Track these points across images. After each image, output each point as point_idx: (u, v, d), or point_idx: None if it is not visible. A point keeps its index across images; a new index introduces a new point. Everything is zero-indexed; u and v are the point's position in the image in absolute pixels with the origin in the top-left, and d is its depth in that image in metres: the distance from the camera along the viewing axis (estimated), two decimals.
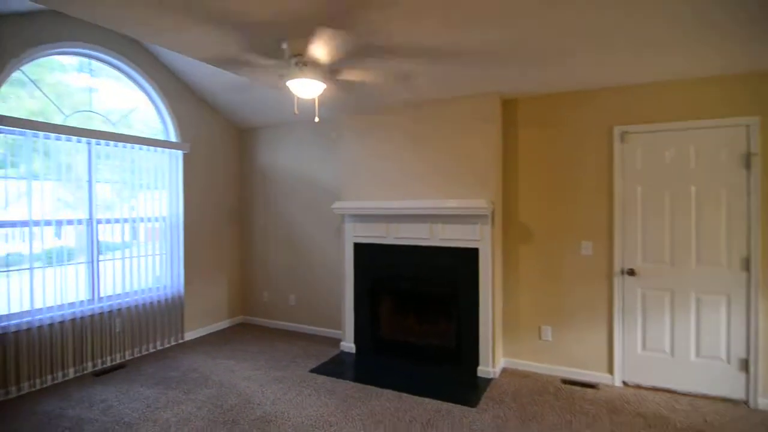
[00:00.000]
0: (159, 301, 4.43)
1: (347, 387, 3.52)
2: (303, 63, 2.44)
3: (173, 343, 4.57)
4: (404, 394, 3.37)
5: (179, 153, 4.61)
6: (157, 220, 4.48)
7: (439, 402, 3.24)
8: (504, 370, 3.86)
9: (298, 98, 3.12)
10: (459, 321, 3.84)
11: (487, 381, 3.62)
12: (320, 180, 4.88)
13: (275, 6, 2.03)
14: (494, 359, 3.72)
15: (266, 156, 5.25)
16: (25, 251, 3.46)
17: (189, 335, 4.75)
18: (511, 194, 3.91)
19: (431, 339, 4.13)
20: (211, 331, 5.04)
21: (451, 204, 3.70)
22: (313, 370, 3.86)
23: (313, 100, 3.39)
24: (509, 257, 3.92)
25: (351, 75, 2.78)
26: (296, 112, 3.13)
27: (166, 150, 4.49)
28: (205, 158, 4.95)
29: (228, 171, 5.29)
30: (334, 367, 3.94)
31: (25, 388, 3.38)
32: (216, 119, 5.09)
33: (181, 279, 4.64)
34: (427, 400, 3.28)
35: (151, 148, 4.32)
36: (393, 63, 2.85)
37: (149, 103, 4.43)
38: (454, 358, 3.89)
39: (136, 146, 4.19)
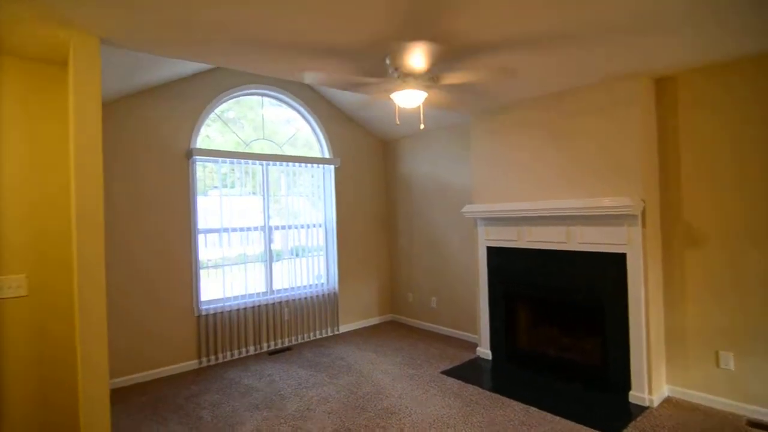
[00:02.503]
0: (318, 296, 5.12)
1: (474, 392, 3.47)
2: (404, 75, 2.58)
3: (330, 334, 5.21)
4: (533, 409, 3.15)
5: (331, 167, 5.27)
6: (315, 226, 5.20)
7: (571, 423, 2.93)
8: (667, 400, 3.23)
9: (400, 109, 3.27)
10: (605, 336, 3.38)
11: (640, 409, 3.10)
12: (456, 184, 4.92)
13: (363, 32, 2.22)
14: (651, 385, 3.15)
15: (407, 164, 5.54)
16: (223, 253, 4.47)
17: (343, 328, 5.35)
18: (671, 190, 3.27)
19: (572, 354, 3.73)
20: (363, 326, 5.56)
21: (590, 204, 3.31)
22: (444, 372, 3.91)
23: (419, 108, 3.49)
24: (670, 264, 3.28)
25: (454, 78, 2.79)
26: (397, 122, 3.29)
27: (321, 165, 5.18)
28: (353, 170, 5.52)
29: (374, 180, 5.77)
30: (466, 372, 3.91)
31: (220, 359, 4.35)
32: (362, 134, 5.62)
33: (336, 278, 5.27)
34: (557, 418, 3.00)
35: (309, 165, 5.06)
36: (498, 58, 2.75)
37: (307, 126, 5.19)
38: (598, 378, 3.44)
39: (297, 164, 4.96)
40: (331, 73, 2.74)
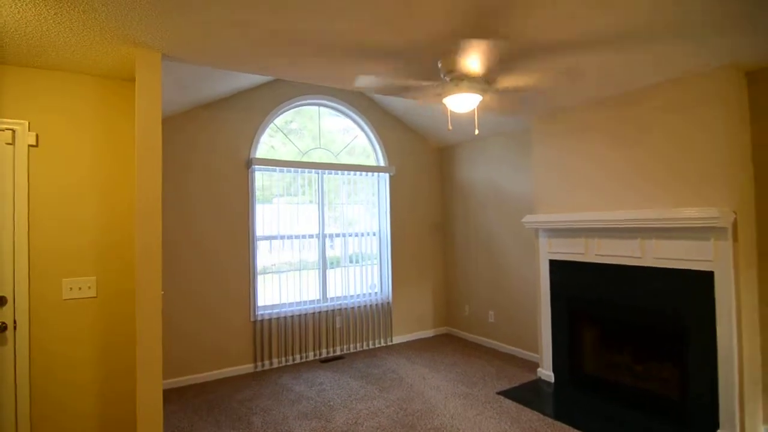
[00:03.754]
0: (372, 305, 5.07)
1: (533, 418, 3.21)
2: (458, 78, 2.46)
3: (382, 345, 5.13)
4: None
5: (386, 175, 5.22)
6: (369, 234, 5.17)
7: None
8: None
9: (454, 114, 3.12)
10: (686, 366, 2.99)
11: None
12: (515, 192, 4.66)
13: (419, 32, 2.13)
14: (744, 425, 2.72)
15: (463, 171, 5.36)
16: (279, 260, 4.57)
17: (397, 339, 5.24)
18: None
19: (646, 383, 3.34)
20: (417, 338, 5.42)
21: (670, 215, 2.95)
22: (501, 392, 3.67)
23: (473, 113, 3.32)
24: None
25: (511, 81, 2.61)
26: (450, 128, 3.13)
27: (375, 174, 5.15)
28: (408, 177, 5.43)
29: (429, 187, 5.64)
30: (524, 394, 3.65)
31: (274, 364, 4.42)
32: (417, 141, 5.53)
33: (389, 287, 5.20)
34: None
35: (364, 173, 5.05)
36: (567, 59, 2.54)
37: (363, 134, 5.20)
38: (678, 413, 3.04)
39: (352, 173, 4.97)
40: (382, 77, 2.68)
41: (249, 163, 4.33)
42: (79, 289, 2.60)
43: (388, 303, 5.19)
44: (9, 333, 2.43)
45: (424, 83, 2.53)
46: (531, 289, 4.45)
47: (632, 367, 3.50)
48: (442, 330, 5.65)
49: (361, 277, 5.09)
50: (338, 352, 4.81)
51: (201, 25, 2.07)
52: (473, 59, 2.36)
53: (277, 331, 4.45)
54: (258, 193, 4.46)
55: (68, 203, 2.59)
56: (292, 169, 4.57)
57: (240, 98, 4.31)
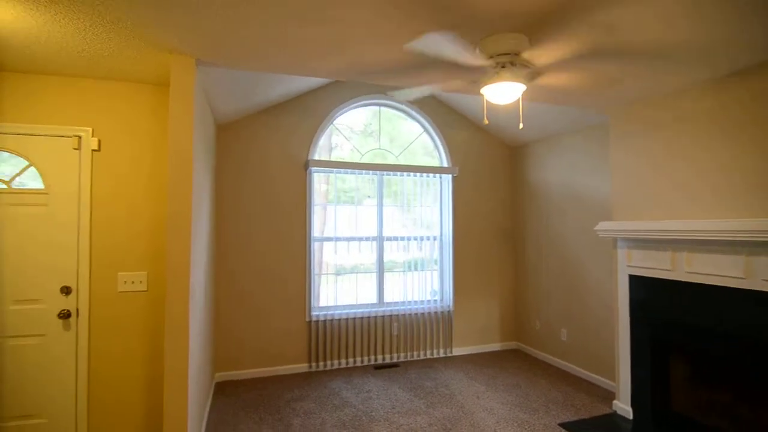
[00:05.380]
0: (431, 313, 4.83)
1: None
2: (510, 63, 2.15)
3: (441, 355, 4.86)
4: None
5: (449, 176, 4.94)
6: (430, 238, 4.94)
7: None
8: None
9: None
10: None
11: None
12: (594, 196, 4.10)
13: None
14: None
15: (536, 172, 4.87)
16: (336, 262, 4.56)
17: (457, 351, 4.93)
18: None
19: (755, 430, 2.67)
20: (480, 351, 5.05)
21: None
22: (564, 424, 3.22)
23: (518, 104, 2.92)
24: None
25: (556, 78, 2.23)
26: (486, 121, 2.78)
27: (438, 175, 4.91)
28: (474, 178, 5.09)
29: (497, 189, 5.23)
30: (593, 430, 3.15)
31: (328, 366, 4.41)
32: (484, 140, 5.15)
33: (451, 295, 4.91)
34: None
35: (424, 174, 4.84)
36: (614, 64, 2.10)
37: (425, 133, 4.99)
38: None
39: (412, 174, 4.79)
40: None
41: (307, 165, 4.38)
42: (132, 282, 2.80)
43: (449, 312, 4.90)
44: (73, 319, 2.69)
45: (464, 62, 2.23)
46: (609, 307, 3.87)
47: (734, 409, 2.83)
48: (511, 345, 5.20)
49: (421, 282, 4.88)
50: (393, 360, 4.66)
51: (229, 32, 2.07)
52: (516, 41, 2.05)
53: (331, 333, 4.44)
54: (316, 195, 4.49)
55: (124, 202, 2.80)
56: (351, 170, 4.53)
57: (298, 101, 4.38)
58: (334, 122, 4.61)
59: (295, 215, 4.37)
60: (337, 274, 4.59)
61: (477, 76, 2.34)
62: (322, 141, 4.56)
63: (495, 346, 5.13)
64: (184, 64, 2.39)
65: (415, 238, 4.89)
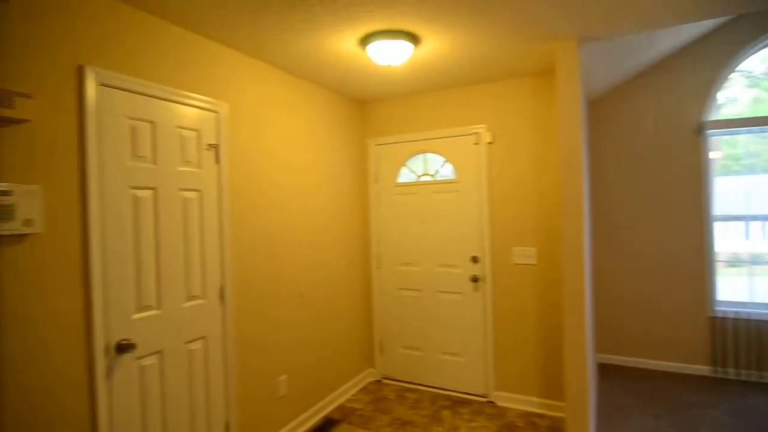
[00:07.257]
0: None
1: None
2: None
3: None
4: None
5: None
6: None
7: None
8: None
9: None
10: None
11: None
12: None
13: None
14: None
15: None
16: (749, 247, 3.59)
17: None
18: None
19: None
20: None
21: None
22: None
23: None
24: None
25: None
26: None
27: None
28: None
29: None
30: None
31: (742, 375, 3.52)
32: None
33: None
34: None
35: None
36: None
37: None
38: None
39: None
40: None
41: (700, 128, 3.63)
42: (524, 256, 3.15)
43: None
44: (480, 283, 3.31)
45: None
46: None
47: None
48: None
49: None
50: None
51: None
52: None
53: (746, 336, 3.52)
54: (715, 163, 3.66)
55: (513, 186, 3.18)
56: (764, 127, 3.44)
57: (677, 58, 3.67)
58: (742, 67, 3.61)
59: (685, 190, 3.71)
60: (755, 263, 3.58)
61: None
62: (721, 97, 3.66)
63: None
64: (567, 48, 2.46)
65: None
